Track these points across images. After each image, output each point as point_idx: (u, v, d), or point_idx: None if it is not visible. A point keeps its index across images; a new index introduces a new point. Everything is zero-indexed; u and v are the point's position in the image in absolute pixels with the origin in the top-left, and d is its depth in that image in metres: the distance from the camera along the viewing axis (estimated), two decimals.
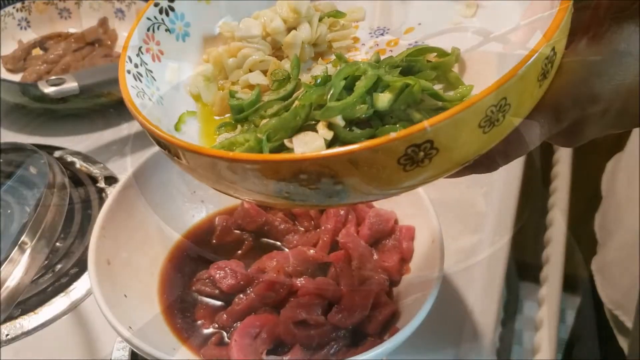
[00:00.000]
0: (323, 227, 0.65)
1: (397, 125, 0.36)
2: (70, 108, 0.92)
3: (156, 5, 0.46)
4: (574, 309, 1.06)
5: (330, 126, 0.36)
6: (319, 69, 0.43)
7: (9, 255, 0.51)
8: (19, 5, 1.08)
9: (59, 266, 0.73)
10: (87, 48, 1.04)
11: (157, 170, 0.68)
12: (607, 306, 0.87)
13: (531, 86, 0.33)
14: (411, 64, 0.40)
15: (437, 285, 0.54)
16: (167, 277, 0.64)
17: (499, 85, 0.31)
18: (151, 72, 0.44)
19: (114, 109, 0.95)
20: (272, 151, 0.37)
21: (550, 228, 0.88)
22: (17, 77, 1.00)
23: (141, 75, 0.43)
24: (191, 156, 0.34)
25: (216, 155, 0.33)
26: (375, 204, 0.66)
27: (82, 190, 0.81)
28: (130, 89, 0.40)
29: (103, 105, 0.94)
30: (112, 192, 0.63)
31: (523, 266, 1.05)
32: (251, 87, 0.44)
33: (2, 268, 0.50)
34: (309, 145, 0.36)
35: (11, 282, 0.51)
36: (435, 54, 0.41)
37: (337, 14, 0.48)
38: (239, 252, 0.67)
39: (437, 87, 0.39)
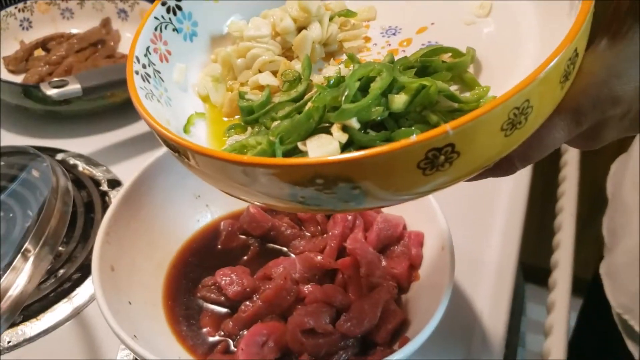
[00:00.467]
0: (330, 233, 0.64)
1: (413, 128, 0.35)
2: (73, 110, 0.92)
3: (163, 4, 0.45)
4: (576, 311, 1.05)
5: (345, 128, 0.36)
6: (331, 70, 0.42)
7: (11, 263, 0.50)
8: (20, 5, 1.07)
9: (61, 271, 0.72)
10: (90, 49, 1.03)
11: (161, 174, 0.67)
12: (615, 310, 0.86)
13: (553, 88, 0.33)
14: (426, 65, 0.39)
15: (448, 294, 0.53)
16: (172, 283, 0.64)
17: (522, 87, 0.30)
18: (159, 72, 0.43)
19: (117, 110, 0.94)
20: (285, 154, 0.36)
21: (558, 233, 0.87)
22: (18, 78, 0.99)
23: (149, 76, 0.42)
24: (204, 160, 0.33)
25: (230, 160, 0.32)
26: (383, 209, 0.65)
27: (85, 194, 0.80)
28: (139, 90, 0.39)
29: (106, 106, 0.93)
30: (115, 196, 0.62)
31: (526, 268, 1.04)
32: (261, 88, 0.44)
33: (4, 276, 0.49)
34: (324, 148, 0.35)
35: (14, 290, 0.50)
36: (450, 54, 0.41)
37: (348, 13, 0.47)
38: (245, 257, 0.66)
39: (453, 88, 0.39)
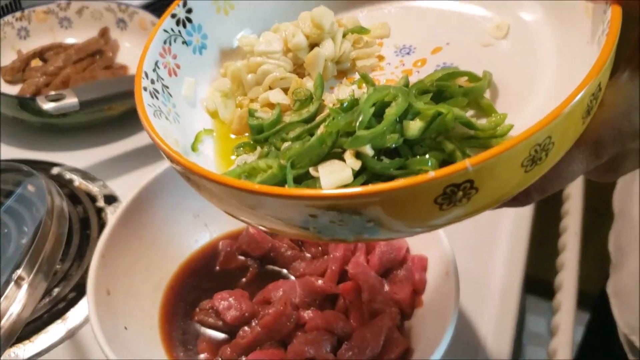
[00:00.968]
0: (331, 255, 0.63)
1: (428, 157, 0.34)
2: (70, 122, 0.91)
3: (173, 16, 0.44)
4: (580, 324, 1.04)
5: (358, 155, 0.35)
6: (344, 91, 0.41)
7: (4, 292, 0.49)
8: (18, 14, 1.06)
9: (56, 290, 0.71)
10: (88, 59, 1.02)
11: (159, 193, 0.65)
12: (622, 330, 0.84)
13: (576, 123, 0.32)
14: (442, 89, 0.38)
15: (453, 323, 0.52)
16: (169, 306, 0.62)
17: (545, 123, 0.29)
18: (167, 87, 0.43)
19: (115, 123, 0.93)
20: (296, 179, 0.35)
21: (563, 253, 0.86)
22: (15, 89, 0.98)
23: (157, 92, 0.41)
24: (213, 186, 0.33)
25: (241, 188, 0.31)
26: None
27: (81, 209, 0.79)
28: (147, 108, 0.38)
29: (103, 119, 0.92)
30: (112, 217, 0.61)
31: (527, 279, 1.03)
32: (271, 105, 0.43)
33: None
34: (336, 175, 0.34)
35: (7, 320, 0.48)
36: (467, 78, 0.40)
37: (362, 30, 0.47)
38: (244, 279, 0.65)
39: (469, 114, 0.38)
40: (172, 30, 0.44)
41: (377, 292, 0.59)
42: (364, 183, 0.34)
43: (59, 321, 0.67)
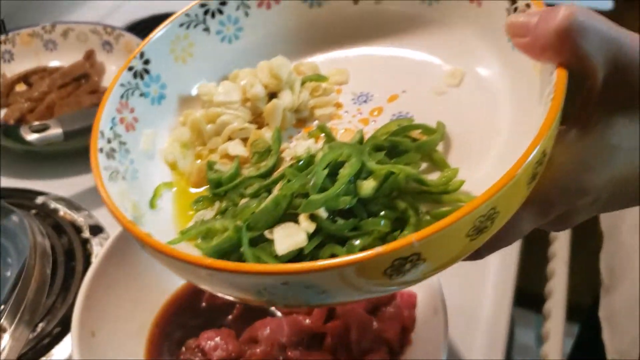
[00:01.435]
0: None
1: (381, 218, 0.35)
2: (54, 150, 0.90)
3: (130, 69, 0.45)
4: (571, 336, 1.05)
5: (313, 216, 0.36)
6: (302, 145, 0.42)
7: None
8: (2, 37, 1.06)
9: (40, 325, 0.69)
10: (73, 84, 1.01)
11: None
12: (611, 357, 0.85)
13: (521, 191, 0.33)
14: (395, 144, 0.39)
15: None
16: (154, 346, 0.62)
17: (488, 196, 0.30)
18: (125, 144, 0.43)
19: None
20: (252, 242, 0.36)
21: (551, 279, 0.86)
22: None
23: (114, 151, 0.41)
24: (164, 258, 0.33)
25: (191, 262, 0.32)
26: None
27: (66, 241, 0.79)
28: (103, 172, 0.39)
29: (88, 146, 0.91)
30: (96, 256, 0.60)
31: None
32: (230, 157, 0.43)
33: None
34: (291, 238, 0.35)
35: None
36: (420, 130, 0.41)
37: (320, 78, 0.47)
38: (230, 316, 0.65)
39: (422, 167, 0.40)
40: (129, 83, 0.44)
41: (366, 330, 0.58)
42: (320, 244, 0.35)
43: (43, 359, 0.66)
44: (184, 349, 0.61)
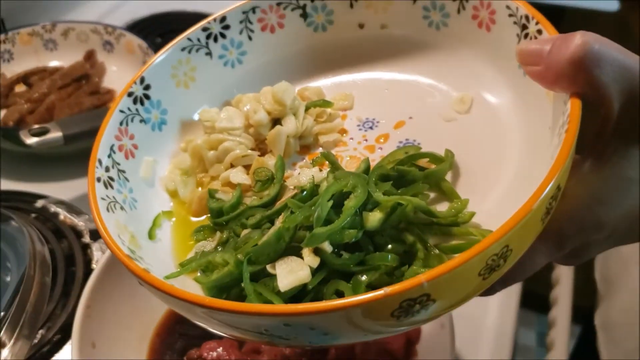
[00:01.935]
0: None
1: (388, 252, 0.34)
2: (55, 153, 0.89)
3: (130, 95, 0.43)
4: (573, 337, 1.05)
5: (317, 250, 0.34)
6: (305, 174, 0.40)
7: None
8: (2, 37, 1.05)
9: (40, 332, 0.69)
10: (73, 85, 1.00)
11: None
12: None
13: (535, 227, 0.31)
14: (402, 174, 0.38)
15: None
16: (155, 356, 0.61)
17: (501, 234, 0.29)
18: (124, 172, 0.42)
19: None
20: (253, 276, 0.35)
21: (557, 286, 0.85)
22: None
23: (112, 180, 0.40)
24: (162, 296, 0.32)
25: (190, 301, 0.31)
26: None
27: (66, 245, 0.78)
28: (100, 203, 0.38)
29: (89, 149, 0.90)
30: (97, 261, 0.59)
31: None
32: (232, 184, 0.42)
33: None
34: (294, 274, 0.34)
35: None
36: (428, 159, 0.40)
37: (325, 104, 0.46)
38: None
39: (430, 197, 0.38)
40: (128, 109, 0.43)
41: (371, 343, 0.58)
42: (324, 279, 0.34)
43: None
44: (185, 359, 0.60)
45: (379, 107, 0.45)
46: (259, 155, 0.43)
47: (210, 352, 0.59)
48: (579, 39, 0.32)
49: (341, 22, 0.47)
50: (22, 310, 0.50)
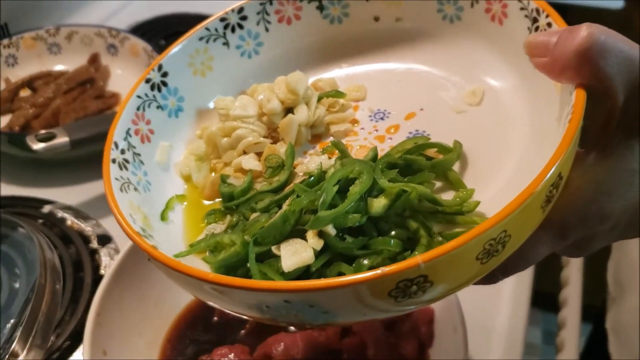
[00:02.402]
0: None
1: (391, 237, 0.36)
2: (61, 158, 0.89)
3: (147, 81, 0.46)
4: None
5: (321, 233, 0.36)
6: (314, 161, 0.43)
7: None
8: (6, 41, 1.07)
9: (51, 339, 0.68)
10: (78, 89, 1.02)
11: None
12: None
13: (534, 214, 0.33)
14: (409, 163, 0.40)
15: None
16: None
17: (499, 219, 0.30)
18: (139, 155, 0.44)
19: None
20: (259, 257, 0.37)
21: (566, 287, 0.85)
22: (4, 120, 0.99)
23: (127, 162, 0.43)
24: (168, 271, 0.35)
25: (194, 276, 0.33)
26: None
27: (74, 251, 0.79)
28: (113, 182, 0.40)
29: (97, 153, 0.89)
30: (105, 267, 0.59)
31: None
32: (244, 170, 0.45)
33: None
34: (298, 255, 0.35)
35: None
36: (436, 149, 0.41)
37: (337, 94, 0.48)
38: (243, 331, 0.64)
39: (436, 186, 0.40)
40: (146, 95, 0.46)
41: (383, 347, 0.58)
42: (327, 262, 0.36)
43: None
44: None
45: (391, 99, 0.47)
46: (271, 143, 0.46)
47: (222, 358, 0.59)
48: (584, 31, 0.33)
49: (357, 14, 0.50)
50: (34, 320, 0.50)
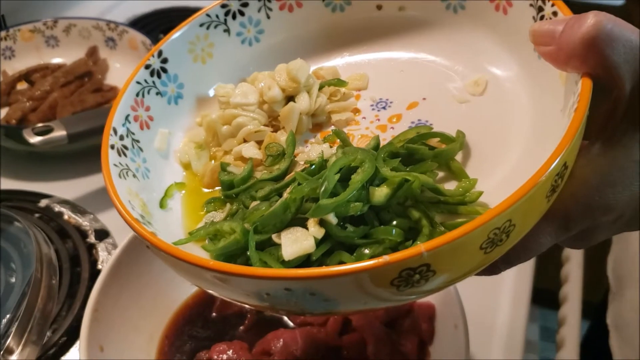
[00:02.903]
0: None
1: (393, 227, 0.35)
2: (59, 151, 0.89)
3: (147, 67, 0.45)
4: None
5: (322, 222, 0.36)
6: (315, 150, 0.42)
7: None
8: (3, 33, 1.06)
9: (47, 334, 0.67)
10: (76, 82, 1.01)
11: None
12: None
13: (539, 203, 0.33)
14: (412, 152, 0.40)
15: None
16: (164, 358, 0.60)
17: (503, 209, 0.30)
18: (138, 142, 0.44)
19: None
20: (259, 245, 0.37)
21: (566, 283, 0.85)
22: (0, 113, 0.94)
23: (126, 149, 0.42)
24: (169, 259, 0.34)
25: (193, 263, 0.32)
26: None
27: (71, 245, 0.78)
28: (112, 169, 0.40)
29: (94, 147, 0.88)
30: (102, 262, 0.59)
31: None
32: (244, 159, 0.44)
33: None
34: (298, 244, 0.35)
35: None
36: (439, 138, 0.41)
37: (339, 83, 0.48)
38: (241, 327, 0.63)
39: (439, 176, 0.40)
40: (145, 81, 0.45)
41: (383, 344, 0.58)
42: (328, 251, 0.35)
43: None
44: None
45: (393, 88, 0.47)
46: (272, 132, 0.45)
47: (220, 355, 0.58)
48: (591, 19, 0.33)
49: (359, 2, 0.49)
50: (30, 315, 0.49)
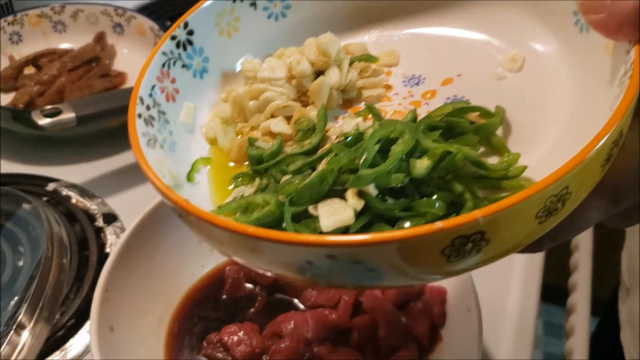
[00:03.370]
0: None
1: (435, 199, 0.34)
2: (67, 135, 0.89)
3: (173, 38, 0.44)
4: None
5: (361, 194, 0.34)
6: (348, 124, 0.41)
7: (7, 339, 0.46)
8: (10, 18, 1.05)
9: (55, 317, 0.67)
10: (84, 67, 1.00)
11: (163, 218, 0.63)
12: (629, 357, 0.83)
13: (594, 172, 0.31)
14: (452, 125, 0.38)
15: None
16: (174, 340, 0.61)
17: (562, 174, 0.28)
18: (164, 113, 0.42)
19: (114, 135, 0.92)
20: (294, 217, 0.35)
21: (575, 273, 0.84)
22: (7, 97, 0.97)
23: (153, 119, 0.41)
24: (205, 225, 0.32)
25: (234, 230, 0.30)
26: None
27: (79, 229, 0.78)
28: (140, 137, 0.38)
29: (102, 131, 0.90)
30: (111, 245, 0.58)
31: None
32: (272, 134, 0.43)
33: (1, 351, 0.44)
34: (337, 215, 0.33)
35: None
36: (478, 113, 0.39)
37: (369, 58, 0.46)
38: (252, 309, 0.63)
39: (479, 151, 0.38)
40: (171, 52, 0.44)
41: (394, 326, 0.57)
42: (367, 224, 0.34)
43: (57, 352, 0.64)
44: (205, 343, 0.59)
45: (425, 64, 0.45)
46: (301, 107, 0.44)
47: (231, 336, 0.58)
48: None
49: None
50: (41, 292, 0.49)
